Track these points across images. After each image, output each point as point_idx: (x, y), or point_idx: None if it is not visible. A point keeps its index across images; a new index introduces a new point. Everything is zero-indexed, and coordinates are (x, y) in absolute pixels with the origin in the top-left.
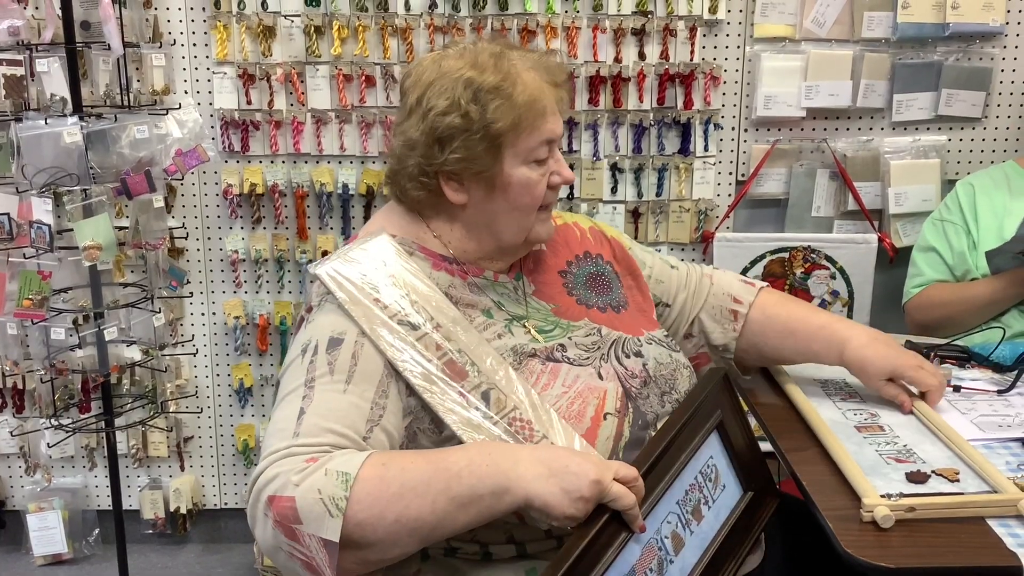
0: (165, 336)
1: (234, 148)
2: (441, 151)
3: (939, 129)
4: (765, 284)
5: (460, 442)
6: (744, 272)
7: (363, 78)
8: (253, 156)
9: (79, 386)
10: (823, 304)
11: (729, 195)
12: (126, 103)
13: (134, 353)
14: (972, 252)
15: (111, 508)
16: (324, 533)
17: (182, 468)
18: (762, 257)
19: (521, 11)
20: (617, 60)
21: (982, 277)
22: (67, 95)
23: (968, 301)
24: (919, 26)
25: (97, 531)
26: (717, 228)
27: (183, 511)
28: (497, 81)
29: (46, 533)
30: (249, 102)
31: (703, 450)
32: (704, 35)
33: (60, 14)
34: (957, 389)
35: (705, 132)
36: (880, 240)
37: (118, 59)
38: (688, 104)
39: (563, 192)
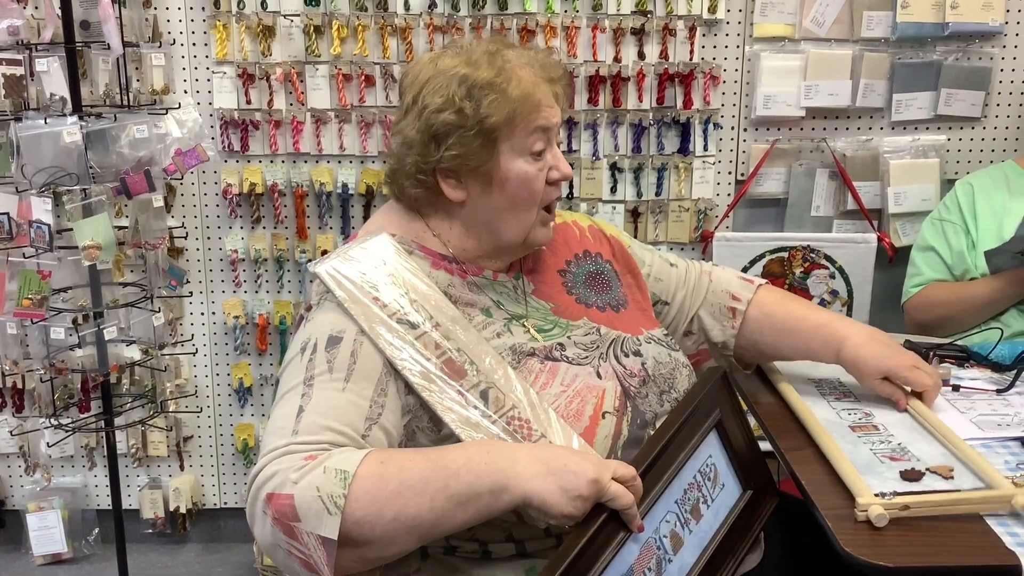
0: (165, 336)
1: (234, 148)
2: (437, 148)
3: (938, 129)
4: (764, 281)
5: (459, 441)
6: (743, 272)
7: (362, 78)
8: (253, 156)
9: (79, 386)
10: (822, 303)
11: (728, 195)
12: (126, 103)
13: (134, 353)
14: (971, 252)
15: (111, 508)
16: (322, 531)
17: (182, 468)
18: (761, 257)
19: (520, 11)
20: (616, 60)
21: (981, 277)
22: (67, 95)
23: (967, 301)
24: (918, 26)
25: (97, 531)
26: (716, 228)
27: (183, 511)
28: (491, 77)
29: (46, 533)
30: (249, 102)
31: (702, 449)
32: (703, 35)
33: (60, 14)
34: (956, 388)
35: (704, 132)
36: (879, 240)
37: (118, 59)
38: (687, 104)
39: (563, 191)
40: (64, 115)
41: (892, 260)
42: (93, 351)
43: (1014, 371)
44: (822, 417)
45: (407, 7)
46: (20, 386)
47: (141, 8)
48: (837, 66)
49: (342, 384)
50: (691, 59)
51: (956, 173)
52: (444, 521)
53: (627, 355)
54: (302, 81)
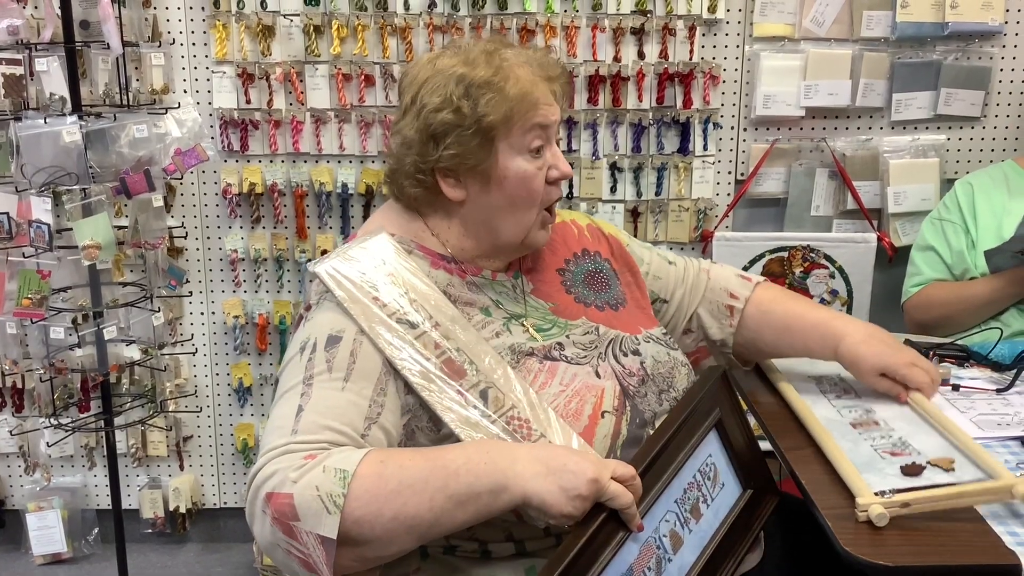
0: (164, 335)
1: (233, 147)
2: (436, 148)
3: (938, 128)
4: (763, 279)
5: (458, 440)
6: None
7: (362, 77)
8: (252, 155)
9: (78, 385)
10: (822, 303)
11: (728, 194)
12: (125, 102)
13: (133, 352)
14: (971, 251)
15: (110, 507)
16: (321, 530)
17: (181, 467)
18: (761, 256)
19: (520, 10)
20: (616, 59)
21: (981, 276)
22: (66, 94)
23: (967, 300)
24: (918, 25)
25: (96, 530)
26: (716, 227)
27: (182, 510)
28: (488, 76)
29: (45, 532)
30: (248, 101)
31: (702, 448)
32: (703, 34)
33: (59, 13)
34: (956, 388)
35: (704, 131)
36: (879, 239)
37: (117, 58)
38: (687, 103)
39: (563, 191)
40: (64, 115)
41: (892, 260)
42: (93, 351)
43: (1014, 371)
44: (822, 415)
45: (407, 7)
46: (20, 386)
47: (141, 8)
48: (837, 66)
49: (341, 384)
50: (691, 59)
51: (956, 173)
52: (443, 520)
53: (626, 354)
54: (302, 81)
